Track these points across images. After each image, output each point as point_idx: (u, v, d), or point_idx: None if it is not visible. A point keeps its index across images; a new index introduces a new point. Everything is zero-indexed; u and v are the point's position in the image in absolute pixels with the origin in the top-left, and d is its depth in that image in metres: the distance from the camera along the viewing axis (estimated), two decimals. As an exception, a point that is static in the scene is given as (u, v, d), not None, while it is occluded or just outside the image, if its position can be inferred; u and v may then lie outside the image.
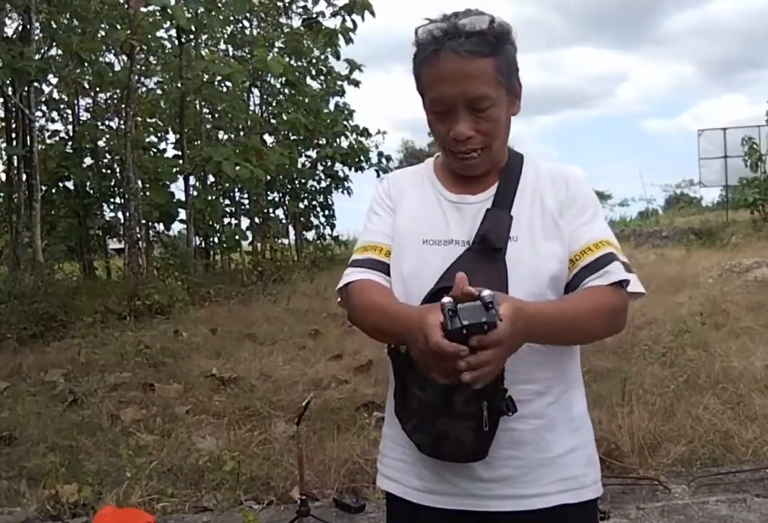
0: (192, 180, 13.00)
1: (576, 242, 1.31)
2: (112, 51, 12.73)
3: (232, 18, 13.24)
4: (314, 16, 13.54)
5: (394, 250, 1.38)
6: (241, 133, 14.27)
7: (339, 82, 16.29)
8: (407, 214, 1.39)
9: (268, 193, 15.92)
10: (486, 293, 1.04)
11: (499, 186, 1.36)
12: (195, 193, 13.22)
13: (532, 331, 1.14)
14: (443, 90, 1.27)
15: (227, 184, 14.23)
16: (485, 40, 1.24)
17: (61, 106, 14.21)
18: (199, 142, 13.73)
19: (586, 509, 1.35)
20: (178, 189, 12.77)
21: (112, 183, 14.20)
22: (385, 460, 1.43)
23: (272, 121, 15.44)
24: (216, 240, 15.18)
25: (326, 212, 17.58)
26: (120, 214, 13.94)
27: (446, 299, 1.05)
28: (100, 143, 14.09)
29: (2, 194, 12.27)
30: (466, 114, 1.27)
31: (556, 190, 1.35)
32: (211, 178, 14.28)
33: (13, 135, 11.17)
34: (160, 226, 14.73)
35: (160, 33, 12.33)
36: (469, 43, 1.23)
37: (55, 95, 13.25)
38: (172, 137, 15.03)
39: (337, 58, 14.32)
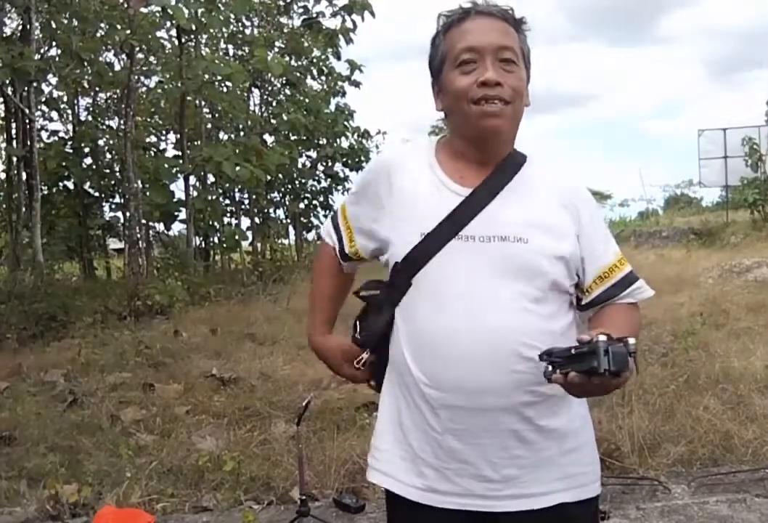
0: (192, 180, 12.99)
1: (602, 259, 1.35)
2: (112, 51, 12.73)
3: (232, 18, 13.23)
4: (314, 16, 13.54)
5: (392, 240, 1.36)
6: (241, 133, 14.26)
7: (339, 83, 16.28)
8: (403, 204, 1.35)
9: (268, 193, 15.91)
10: (632, 341, 1.08)
11: (491, 176, 1.34)
12: (195, 193, 13.21)
13: None
14: (474, 38, 1.30)
15: (227, 184, 14.21)
16: (510, 14, 1.34)
17: (61, 106, 14.20)
18: (199, 142, 13.71)
19: (588, 507, 1.35)
20: (178, 189, 12.77)
21: (112, 183, 14.19)
22: (379, 454, 1.41)
23: (272, 121, 15.42)
24: (216, 240, 15.16)
25: (326, 212, 17.58)
26: (120, 214, 13.96)
27: (602, 338, 1.07)
28: (100, 143, 14.09)
29: (2, 194, 12.27)
30: (494, 64, 1.29)
31: (572, 202, 1.35)
32: (211, 178, 14.26)
33: (14, 135, 11.17)
34: (160, 226, 14.73)
35: (160, 33, 12.33)
36: (497, 9, 1.33)
37: (55, 95, 13.24)
38: (172, 137, 15.05)
39: (338, 58, 14.32)
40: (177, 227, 14.53)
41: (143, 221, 12.62)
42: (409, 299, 1.34)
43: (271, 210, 16.55)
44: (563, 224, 1.32)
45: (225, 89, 13.27)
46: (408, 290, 1.33)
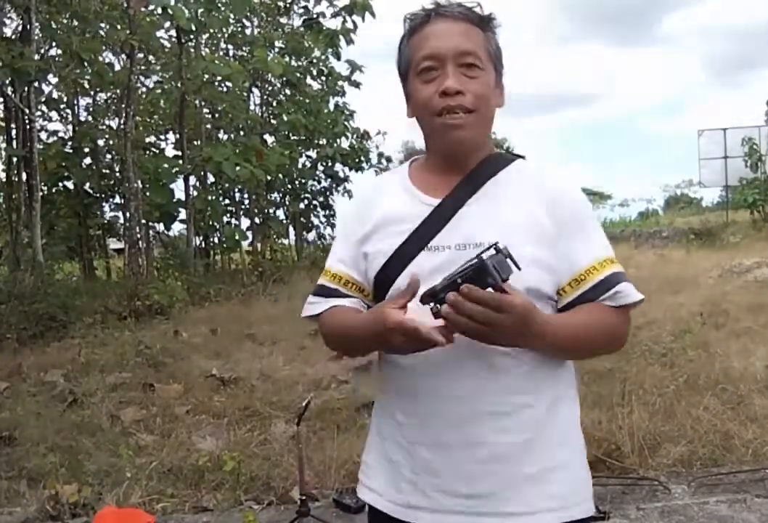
0: (192, 180, 13.02)
1: (579, 261, 1.26)
2: (112, 51, 12.74)
3: (232, 18, 13.24)
4: (315, 16, 13.55)
5: (368, 258, 1.34)
6: (241, 133, 14.26)
7: (339, 83, 16.29)
8: (384, 223, 1.33)
9: (268, 193, 15.92)
10: (501, 245, 1.08)
11: (459, 185, 1.30)
12: (195, 193, 13.22)
13: (533, 329, 1.11)
14: (434, 45, 1.25)
15: (227, 184, 14.23)
16: (475, 13, 1.28)
17: (61, 106, 14.21)
18: (199, 142, 13.73)
19: None
20: (178, 189, 12.80)
21: (112, 183, 14.20)
22: (368, 470, 1.39)
23: (272, 121, 15.44)
24: (216, 240, 15.19)
25: (326, 212, 17.60)
26: (120, 214, 13.97)
27: (484, 255, 1.07)
28: (100, 143, 14.11)
29: (2, 194, 12.27)
30: (455, 71, 1.24)
31: (553, 202, 1.28)
32: (211, 178, 14.28)
33: (13, 135, 11.18)
34: (160, 226, 14.75)
35: (160, 33, 12.34)
36: (460, 9, 1.27)
37: (55, 95, 13.24)
38: (172, 137, 15.06)
39: (338, 58, 14.32)
40: (177, 227, 14.58)
41: (143, 221, 12.63)
42: None
43: (271, 210, 16.56)
44: (541, 227, 1.25)
45: (225, 89, 13.28)
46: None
